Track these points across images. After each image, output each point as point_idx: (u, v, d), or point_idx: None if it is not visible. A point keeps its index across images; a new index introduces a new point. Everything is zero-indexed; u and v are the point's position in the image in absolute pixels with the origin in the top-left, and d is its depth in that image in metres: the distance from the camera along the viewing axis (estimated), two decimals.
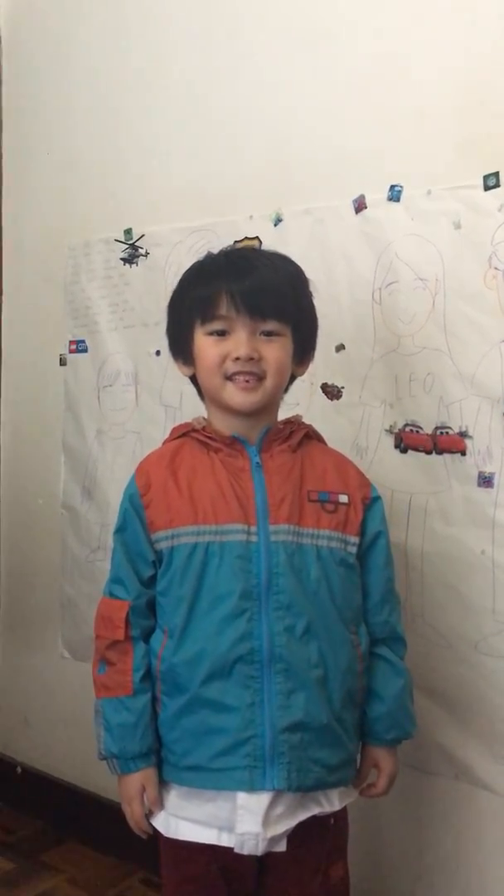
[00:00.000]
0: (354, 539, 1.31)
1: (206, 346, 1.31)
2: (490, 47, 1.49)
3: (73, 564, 2.20)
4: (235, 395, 1.29)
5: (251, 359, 1.27)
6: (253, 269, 1.31)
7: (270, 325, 1.29)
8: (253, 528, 1.25)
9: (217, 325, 1.29)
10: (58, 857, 2.13)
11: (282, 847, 1.26)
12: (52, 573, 2.25)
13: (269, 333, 1.29)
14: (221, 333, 1.29)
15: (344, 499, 1.32)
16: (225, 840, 1.24)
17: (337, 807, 1.30)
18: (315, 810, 1.27)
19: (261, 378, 1.29)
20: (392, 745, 1.37)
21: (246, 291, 1.27)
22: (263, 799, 1.21)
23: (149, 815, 1.29)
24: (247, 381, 1.28)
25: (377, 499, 1.37)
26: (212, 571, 1.24)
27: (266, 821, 1.22)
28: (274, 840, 1.24)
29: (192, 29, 1.92)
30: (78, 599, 2.17)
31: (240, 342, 1.28)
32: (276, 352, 1.30)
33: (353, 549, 1.31)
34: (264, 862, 1.30)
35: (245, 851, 1.23)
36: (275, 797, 1.22)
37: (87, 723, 1.37)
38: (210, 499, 1.27)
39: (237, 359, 1.28)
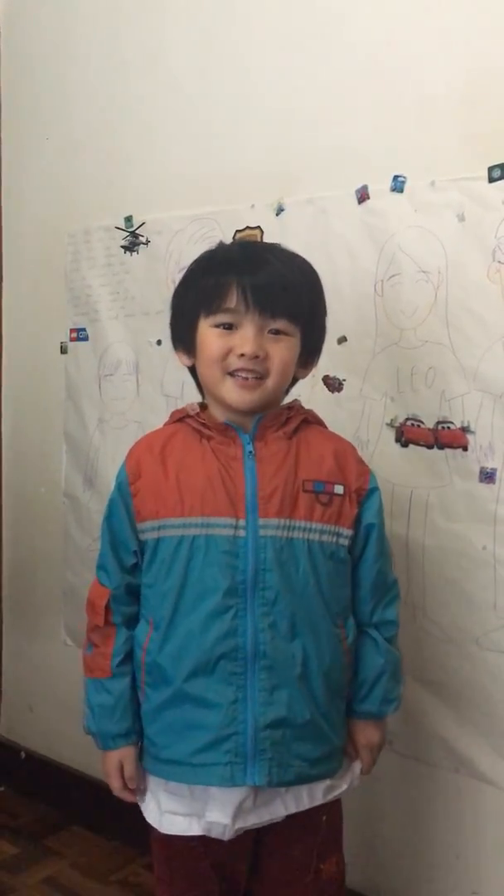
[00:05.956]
0: (348, 532, 1.27)
1: (210, 337, 1.25)
2: (496, 37, 1.46)
3: (74, 553, 2.20)
4: (233, 391, 1.24)
5: (256, 357, 1.22)
6: (267, 262, 1.26)
7: (280, 324, 1.24)
8: (241, 522, 1.22)
9: (224, 318, 1.24)
10: (61, 842, 2.14)
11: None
12: (55, 561, 2.26)
13: (276, 332, 1.24)
14: (228, 327, 1.24)
15: (339, 489, 1.27)
16: (196, 828, 1.25)
17: (320, 800, 1.29)
18: (293, 808, 1.27)
19: (262, 377, 1.24)
20: (361, 717, 1.34)
21: (258, 285, 1.22)
22: (236, 792, 1.22)
23: (134, 789, 1.31)
24: (246, 379, 1.24)
25: (374, 490, 1.31)
26: (197, 566, 1.22)
27: (236, 812, 1.23)
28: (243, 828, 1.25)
29: (193, 15, 1.88)
30: (80, 587, 2.16)
31: (246, 338, 1.22)
32: (282, 351, 1.24)
33: (346, 542, 1.27)
34: (256, 858, 1.31)
35: (212, 835, 1.25)
36: (248, 791, 1.23)
37: None
38: (198, 490, 1.23)
39: (242, 355, 1.22)
